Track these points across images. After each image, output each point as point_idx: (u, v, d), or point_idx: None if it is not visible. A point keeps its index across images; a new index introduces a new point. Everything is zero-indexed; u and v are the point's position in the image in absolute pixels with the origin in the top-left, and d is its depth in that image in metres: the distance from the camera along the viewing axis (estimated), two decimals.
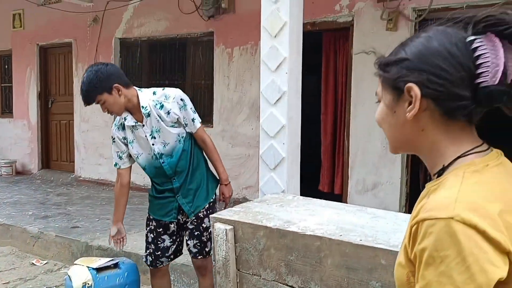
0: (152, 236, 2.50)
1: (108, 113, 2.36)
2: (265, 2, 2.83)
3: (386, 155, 4.54)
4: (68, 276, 2.47)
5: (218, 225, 1.81)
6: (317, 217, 1.92)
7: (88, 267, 2.48)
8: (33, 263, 4.04)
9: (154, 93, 2.38)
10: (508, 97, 0.73)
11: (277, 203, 2.23)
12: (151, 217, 2.52)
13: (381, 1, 4.41)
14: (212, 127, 5.72)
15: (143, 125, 2.35)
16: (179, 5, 5.68)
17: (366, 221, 1.94)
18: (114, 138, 2.47)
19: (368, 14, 4.55)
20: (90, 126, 6.79)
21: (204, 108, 5.93)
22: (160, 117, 2.34)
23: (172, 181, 2.42)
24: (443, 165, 0.79)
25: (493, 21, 0.73)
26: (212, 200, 2.51)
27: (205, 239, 2.45)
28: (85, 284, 2.39)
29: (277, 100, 2.80)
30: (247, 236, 1.80)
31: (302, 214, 1.99)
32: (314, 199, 2.42)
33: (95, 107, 2.38)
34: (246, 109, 5.47)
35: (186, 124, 2.41)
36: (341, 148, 4.94)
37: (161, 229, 2.49)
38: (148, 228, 2.53)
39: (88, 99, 2.26)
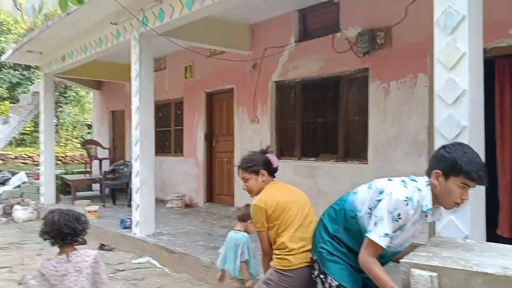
0: None
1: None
2: (439, 33, 2.72)
3: None
4: None
5: (418, 272, 1.68)
6: None
7: None
8: None
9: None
10: None
11: (458, 247, 2.04)
12: (339, 283, 2.38)
13: None
14: (367, 163, 5.59)
15: (426, 222, 2.23)
16: (333, 45, 5.83)
17: None
18: (400, 216, 2.09)
19: None
20: None
21: (358, 144, 5.86)
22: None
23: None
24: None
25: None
26: None
27: None
28: None
29: (456, 136, 2.62)
30: (457, 283, 1.66)
31: (509, 260, 1.77)
32: (494, 243, 2.17)
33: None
34: (404, 144, 5.22)
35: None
36: None
37: None
38: None
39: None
